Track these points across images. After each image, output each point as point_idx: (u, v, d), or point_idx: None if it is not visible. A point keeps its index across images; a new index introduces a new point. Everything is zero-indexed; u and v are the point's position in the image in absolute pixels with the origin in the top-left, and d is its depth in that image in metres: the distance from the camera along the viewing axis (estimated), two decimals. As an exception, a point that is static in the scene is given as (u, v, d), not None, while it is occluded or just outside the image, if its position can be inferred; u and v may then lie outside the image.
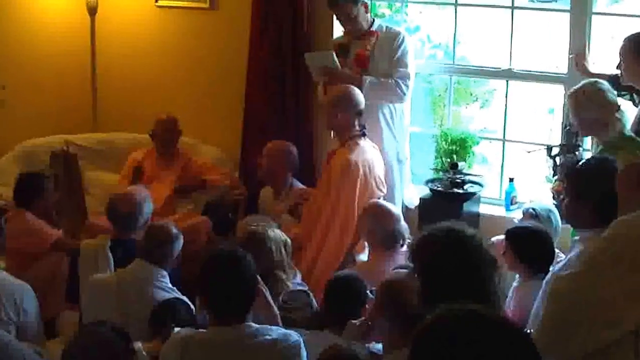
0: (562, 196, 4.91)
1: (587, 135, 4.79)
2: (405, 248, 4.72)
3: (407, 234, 4.76)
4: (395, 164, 5.50)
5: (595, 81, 4.47)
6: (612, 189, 3.38)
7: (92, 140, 6.45)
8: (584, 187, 3.51)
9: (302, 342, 3.27)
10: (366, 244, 4.89)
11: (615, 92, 4.48)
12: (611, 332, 2.34)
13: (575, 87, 4.49)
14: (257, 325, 3.26)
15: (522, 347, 1.75)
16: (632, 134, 4.38)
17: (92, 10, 6.46)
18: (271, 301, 3.72)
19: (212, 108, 6.52)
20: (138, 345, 3.63)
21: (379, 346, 3.46)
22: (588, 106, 4.35)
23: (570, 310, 2.42)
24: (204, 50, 6.49)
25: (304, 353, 3.26)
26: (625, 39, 4.65)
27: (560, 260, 4.16)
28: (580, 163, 3.64)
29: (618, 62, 4.68)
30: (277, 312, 3.70)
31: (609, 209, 3.40)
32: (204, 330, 3.30)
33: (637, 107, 4.74)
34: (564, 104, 5.42)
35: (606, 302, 2.33)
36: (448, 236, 2.88)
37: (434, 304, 2.74)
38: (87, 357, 3.02)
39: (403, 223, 4.75)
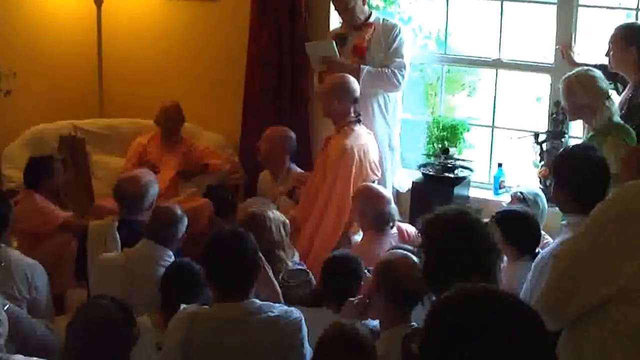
0: (549, 181, 4.98)
1: (575, 120, 4.78)
2: (395, 230, 4.73)
3: (396, 216, 4.77)
4: (387, 151, 5.49)
5: (589, 69, 4.47)
6: (590, 176, 3.40)
7: (99, 126, 6.42)
8: (560, 173, 3.52)
9: (302, 319, 3.26)
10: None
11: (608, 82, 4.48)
12: (608, 288, 2.37)
13: (568, 73, 4.50)
14: (260, 302, 3.24)
15: (534, 326, 1.73)
16: (621, 121, 4.38)
17: (99, 1, 6.43)
18: (273, 279, 3.71)
19: (214, 95, 6.50)
20: (144, 318, 3.64)
21: (374, 322, 3.46)
22: (579, 91, 4.36)
23: (571, 268, 2.45)
24: (205, 40, 6.46)
25: (304, 329, 3.25)
26: (617, 27, 4.69)
27: (547, 243, 4.19)
28: (562, 150, 3.64)
29: (607, 49, 4.69)
30: (279, 290, 3.70)
31: (588, 195, 3.40)
32: (209, 307, 3.29)
33: (620, 95, 4.75)
34: (551, 93, 5.43)
35: (605, 258, 2.36)
36: (460, 218, 2.86)
37: (437, 282, 2.77)
38: (90, 328, 3.00)
39: (393, 205, 4.76)
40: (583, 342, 2.58)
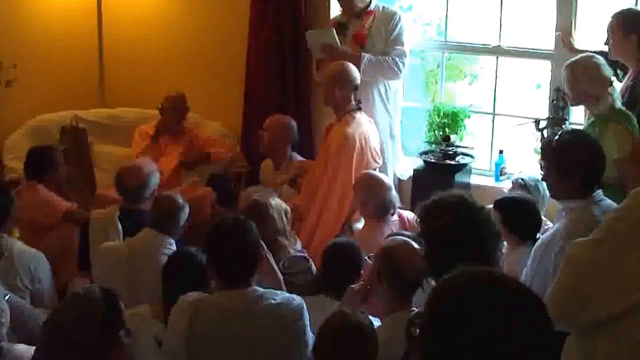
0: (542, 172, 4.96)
1: (577, 105, 4.75)
2: (396, 217, 4.72)
3: (397, 203, 4.76)
4: (388, 138, 5.48)
5: (593, 55, 4.41)
6: (593, 160, 3.40)
7: (100, 116, 6.42)
8: (568, 163, 3.49)
9: (304, 306, 3.27)
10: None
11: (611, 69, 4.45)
12: (624, 300, 2.29)
13: (572, 59, 4.45)
14: (263, 290, 3.25)
15: (536, 310, 1.72)
16: (622, 107, 4.35)
17: (99, -8, 6.44)
18: (275, 267, 3.71)
19: (215, 85, 6.49)
20: (144, 308, 3.62)
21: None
22: (582, 79, 4.31)
23: (586, 277, 2.37)
24: (206, 29, 6.45)
25: (306, 316, 3.26)
26: (614, 14, 4.62)
27: (548, 229, 4.17)
28: (555, 139, 3.59)
29: (606, 37, 4.65)
30: (281, 278, 3.70)
31: (593, 179, 3.42)
32: (212, 295, 3.29)
33: (620, 82, 4.72)
34: (551, 79, 5.42)
35: (622, 269, 2.28)
36: (460, 205, 2.85)
37: (437, 268, 2.76)
38: (73, 316, 2.74)
39: (394, 193, 4.76)
40: (593, 351, 2.52)
